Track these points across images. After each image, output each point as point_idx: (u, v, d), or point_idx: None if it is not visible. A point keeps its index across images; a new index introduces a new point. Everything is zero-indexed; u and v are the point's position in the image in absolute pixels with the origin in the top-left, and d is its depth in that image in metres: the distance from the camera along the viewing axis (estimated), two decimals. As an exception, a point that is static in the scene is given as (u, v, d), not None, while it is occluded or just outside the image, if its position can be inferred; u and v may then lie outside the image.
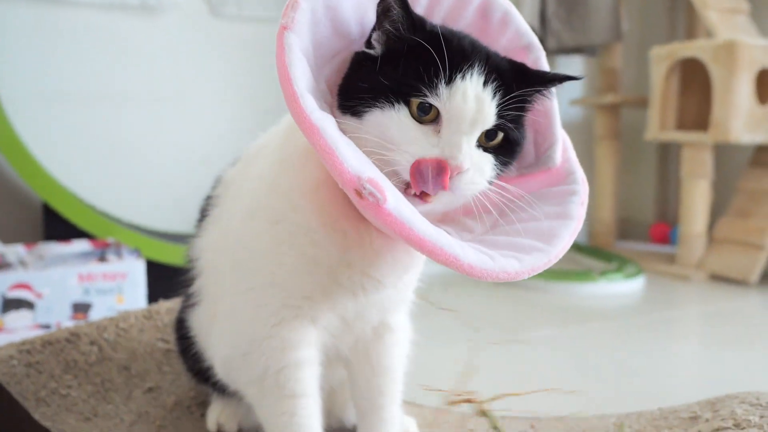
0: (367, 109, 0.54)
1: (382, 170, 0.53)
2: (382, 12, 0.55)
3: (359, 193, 0.48)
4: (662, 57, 2.47)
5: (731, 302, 2.11)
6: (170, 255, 1.87)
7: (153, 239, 1.92)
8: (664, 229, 2.96)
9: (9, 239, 2.00)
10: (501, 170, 0.60)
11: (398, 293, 0.69)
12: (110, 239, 1.82)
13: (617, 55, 2.84)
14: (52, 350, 0.88)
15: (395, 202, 0.50)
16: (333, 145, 0.49)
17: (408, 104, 0.54)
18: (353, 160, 0.49)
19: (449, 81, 0.54)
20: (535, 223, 0.62)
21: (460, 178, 0.55)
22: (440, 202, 0.57)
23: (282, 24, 0.53)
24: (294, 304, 0.63)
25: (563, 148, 0.65)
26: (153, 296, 1.67)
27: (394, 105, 0.54)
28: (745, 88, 2.23)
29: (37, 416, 0.76)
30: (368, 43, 0.57)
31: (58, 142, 2.16)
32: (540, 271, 0.58)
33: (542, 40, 2.72)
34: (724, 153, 2.66)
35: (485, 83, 0.55)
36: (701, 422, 0.69)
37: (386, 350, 0.72)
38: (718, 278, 2.34)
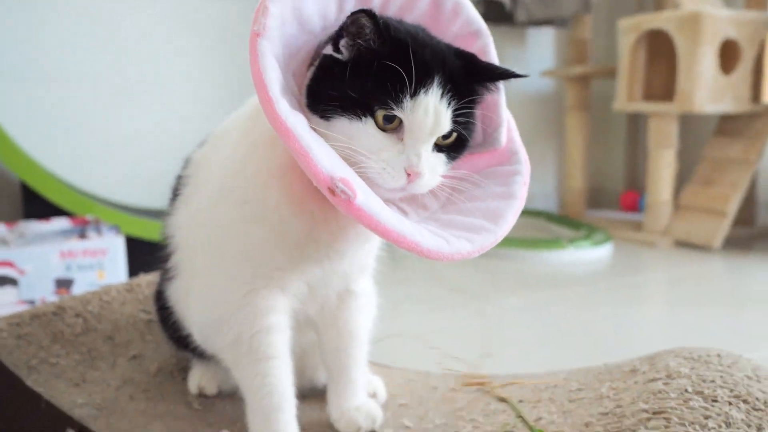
0: (336, 116, 0.59)
1: (352, 167, 0.58)
2: (354, 27, 0.59)
3: (332, 191, 0.54)
4: (629, 29, 2.52)
5: (695, 267, 2.20)
6: (147, 230, 1.92)
7: (130, 215, 1.96)
8: (634, 197, 3.05)
9: (-11, 218, 2.03)
10: (451, 162, 0.65)
11: (360, 262, 0.75)
12: (89, 216, 1.85)
13: (587, 27, 2.89)
14: (39, 323, 0.93)
15: (364, 197, 0.56)
16: (307, 148, 0.54)
17: (374, 115, 0.59)
18: (326, 160, 0.55)
19: (413, 95, 0.59)
20: (483, 202, 0.68)
21: (418, 181, 0.61)
22: None
23: (254, 31, 0.56)
24: (264, 274, 0.69)
25: (508, 129, 0.70)
26: (132, 270, 1.72)
27: (361, 118, 0.59)
28: (708, 58, 2.30)
29: (29, 383, 0.82)
30: (335, 46, 0.60)
31: (34, 122, 2.18)
32: (487, 249, 0.64)
33: (513, 13, 2.77)
34: (689, 123, 2.75)
35: (442, 95, 0.60)
36: (639, 374, 0.75)
37: (351, 315, 0.78)
38: (683, 244, 2.43)
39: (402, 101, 0.58)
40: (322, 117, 0.60)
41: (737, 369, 0.71)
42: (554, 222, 2.72)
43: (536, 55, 3.13)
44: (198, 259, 0.73)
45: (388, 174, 0.60)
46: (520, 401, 0.79)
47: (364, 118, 0.59)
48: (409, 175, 0.60)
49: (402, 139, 0.60)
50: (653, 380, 0.72)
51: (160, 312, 0.86)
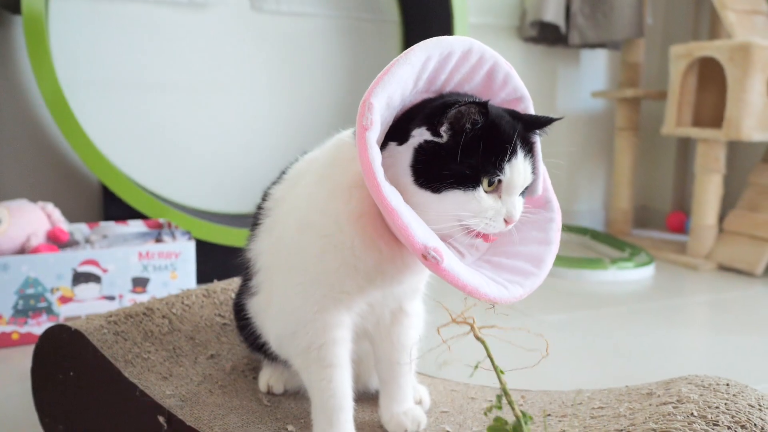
0: (449, 189, 0.72)
1: (457, 230, 0.73)
2: (462, 116, 0.71)
3: (425, 257, 0.68)
4: (681, 55, 2.58)
5: (736, 292, 2.25)
6: (215, 234, 2.08)
7: (199, 219, 2.12)
8: (681, 217, 3.09)
9: (72, 219, 2.22)
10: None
11: (413, 287, 0.89)
12: (162, 220, 2.02)
13: (639, 51, 2.95)
14: (132, 322, 1.08)
15: (449, 261, 0.69)
16: (407, 223, 0.68)
17: (481, 182, 0.72)
18: (420, 232, 0.68)
19: (509, 160, 0.73)
20: (525, 246, 0.81)
21: (511, 225, 0.76)
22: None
23: (363, 125, 0.69)
24: (334, 296, 0.81)
25: (543, 179, 0.82)
26: (199, 271, 1.88)
27: (473, 188, 0.72)
28: (757, 88, 2.34)
29: (126, 374, 0.96)
30: (434, 132, 0.72)
31: (113, 127, 2.37)
32: (532, 292, 0.77)
33: (567, 35, 2.85)
34: (737, 149, 2.78)
35: (525, 154, 0.75)
36: (654, 397, 0.85)
37: (402, 330, 0.91)
38: (725, 269, 2.47)
39: (502, 167, 0.72)
40: (433, 192, 0.72)
41: (742, 398, 0.81)
42: (599, 240, 2.78)
43: (589, 76, 3.19)
44: (278, 279, 0.86)
45: (491, 226, 0.74)
46: (549, 414, 0.90)
47: (475, 188, 0.72)
48: (507, 222, 0.74)
49: (500, 196, 0.74)
50: (665, 403, 0.81)
51: (239, 321, 1.00)
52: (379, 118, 0.70)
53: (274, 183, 0.94)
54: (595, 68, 3.21)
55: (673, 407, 0.79)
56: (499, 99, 0.80)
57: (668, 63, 2.67)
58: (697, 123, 2.65)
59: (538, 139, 0.79)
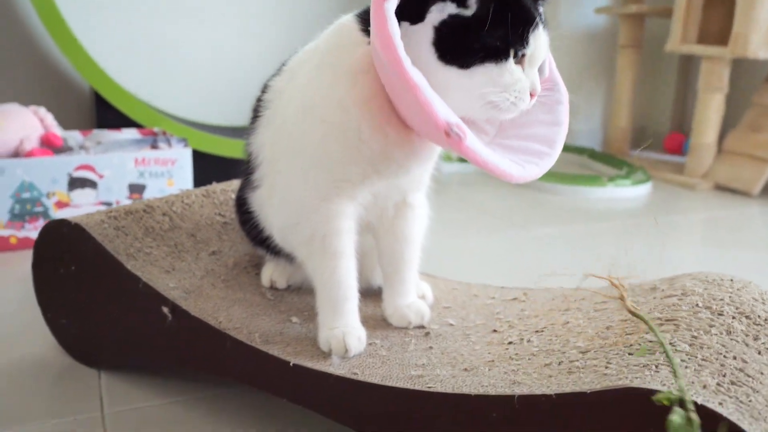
0: (480, 63, 0.69)
1: (484, 109, 0.71)
2: None
3: (447, 134, 0.65)
4: (690, -32, 2.49)
5: (732, 210, 2.26)
6: (210, 144, 2.05)
7: (193, 129, 2.09)
8: (679, 138, 3.07)
9: (65, 127, 2.18)
10: None
11: (418, 178, 0.88)
12: (156, 129, 1.99)
13: (647, -36, 2.85)
14: (133, 218, 1.06)
15: (471, 139, 0.67)
16: (430, 99, 0.65)
17: (509, 54, 0.70)
18: (443, 109, 0.66)
19: (533, 31, 0.71)
20: (535, 128, 0.79)
21: (534, 99, 0.74)
22: None
23: None
24: (338, 185, 0.80)
25: (549, 61, 0.80)
26: (195, 181, 1.86)
27: (503, 60, 0.70)
28: (766, 3, 2.28)
29: (129, 267, 0.96)
30: (461, 4, 0.69)
31: (105, 37, 2.29)
32: (546, 171, 0.76)
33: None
34: (741, 68, 2.73)
35: (544, 28, 0.73)
36: (658, 292, 0.86)
37: (406, 223, 0.90)
38: (722, 188, 2.47)
39: (528, 38, 0.70)
40: (461, 67, 0.69)
41: (746, 292, 0.81)
42: (597, 159, 2.77)
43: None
44: (281, 170, 0.84)
45: (520, 100, 0.72)
46: (551, 309, 0.90)
47: (505, 60, 0.70)
48: (531, 95, 0.73)
49: (523, 69, 0.72)
50: (669, 296, 0.82)
51: (242, 216, 0.99)
52: None
53: (273, 75, 0.91)
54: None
55: (678, 299, 0.80)
56: None
57: (676, -23, 2.59)
58: (702, 40, 2.59)
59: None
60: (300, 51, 0.89)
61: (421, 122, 0.71)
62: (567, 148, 2.90)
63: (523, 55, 0.71)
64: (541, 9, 0.74)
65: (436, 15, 0.70)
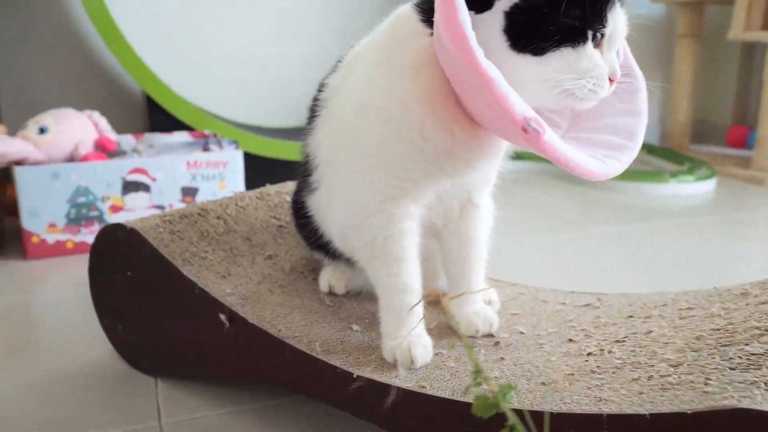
0: (555, 48, 0.64)
1: (559, 98, 0.65)
2: None
3: (525, 130, 0.60)
4: (756, -48, 2.37)
5: (803, 206, 2.14)
6: (261, 147, 2.03)
7: (244, 131, 2.08)
8: (743, 132, 2.93)
9: (118, 130, 2.20)
10: None
11: (485, 176, 0.83)
12: (207, 131, 1.98)
13: (707, -50, 2.73)
14: (188, 222, 1.04)
15: (550, 134, 0.62)
16: (506, 93, 0.60)
17: (587, 37, 0.64)
18: (519, 103, 0.60)
19: (611, 9, 0.65)
20: (611, 119, 0.73)
21: (613, 85, 0.68)
22: None
23: None
24: (400, 185, 0.75)
25: (624, 48, 0.74)
26: (247, 183, 1.84)
27: (581, 42, 0.64)
28: (842, -14, 2.15)
29: (185, 272, 0.93)
30: None
31: (156, 40, 2.30)
32: (627, 166, 0.69)
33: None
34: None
35: (621, 4, 0.67)
36: (750, 297, 0.79)
37: (472, 224, 0.85)
38: (793, 182, 2.34)
39: (606, 17, 0.64)
40: (535, 54, 0.64)
41: None
42: (656, 154, 2.66)
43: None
44: (340, 171, 0.80)
45: (599, 87, 0.66)
46: (630, 316, 0.84)
47: (584, 43, 0.64)
48: (611, 81, 0.67)
49: (602, 53, 0.66)
50: (765, 303, 0.75)
51: (299, 219, 0.95)
52: None
53: (330, 73, 0.87)
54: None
55: (775, 306, 0.73)
56: None
57: (739, -38, 2.47)
58: (767, 27, 2.46)
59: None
60: (356, 46, 0.84)
61: (494, 117, 0.65)
62: (623, 144, 2.79)
63: (602, 37, 0.65)
64: None
65: (506, 1, 0.65)
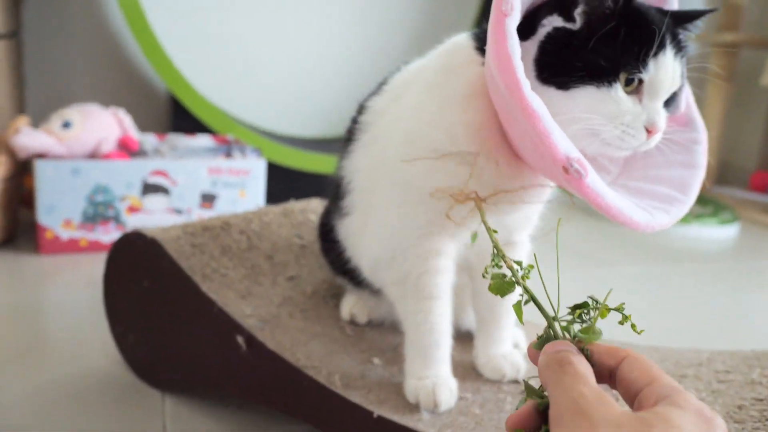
0: (580, 85, 0.61)
1: (589, 140, 0.62)
2: None
3: (566, 170, 0.57)
4: (796, -2, 2.34)
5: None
6: (285, 156, 2.01)
7: (268, 139, 2.06)
8: (766, 177, 2.89)
9: (142, 128, 2.18)
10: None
11: (527, 216, 0.79)
12: (230, 136, 1.96)
13: (745, -8, 2.70)
14: (210, 235, 1.02)
15: (593, 177, 0.59)
16: (550, 129, 0.57)
17: (618, 79, 0.61)
18: (563, 142, 0.57)
19: (655, 55, 0.61)
20: (667, 170, 0.70)
21: (655, 137, 0.64)
22: None
23: (502, 11, 0.58)
24: (440, 222, 0.72)
25: (687, 96, 0.71)
26: (268, 192, 1.82)
27: (609, 83, 0.60)
28: None
29: (204, 288, 0.90)
30: (567, 16, 0.61)
31: (186, 41, 2.29)
32: (677, 220, 0.66)
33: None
34: None
35: (675, 54, 0.62)
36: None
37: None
38: (818, 234, 2.30)
39: (646, 62, 0.60)
40: (559, 88, 0.61)
41: None
42: (678, 194, 2.62)
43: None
44: (377, 200, 0.77)
45: (629, 135, 0.62)
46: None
47: (612, 84, 0.61)
48: (648, 132, 0.62)
49: (641, 100, 0.62)
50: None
51: (325, 243, 0.92)
52: (520, 4, 0.59)
53: (371, 95, 0.84)
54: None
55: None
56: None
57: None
58: (804, 75, 2.43)
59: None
60: (403, 70, 0.82)
61: (537, 155, 0.62)
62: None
63: (641, 82, 0.62)
64: (680, 35, 0.65)
65: (545, 29, 0.62)
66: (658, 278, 1.74)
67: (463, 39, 0.73)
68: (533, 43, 0.63)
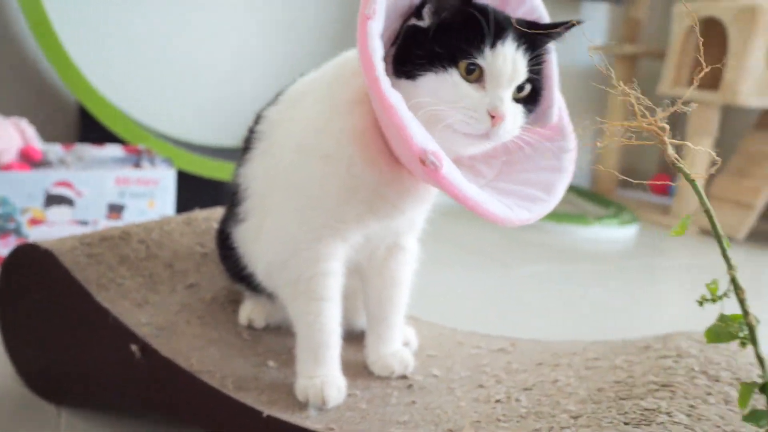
0: (422, 72, 0.66)
1: (436, 126, 0.66)
2: None
3: (423, 162, 0.61)
4: (684, 14, 2.51)
5: (716, 256, 2.24)
6: (196, 165, 2.00)
7: (179, 149, 2.04)
8: (666, 180, 3.07)
9: (47, 139, 2.13)
10: (527, 116, 0.73)
11: (413, 220, 0.84)
12: (141, 146, 1.94)
13: (642, 7, 2.87)
14: (108, 245, 1.02)
15: (448, 168, 0.63)
16: (406, 122, 0.62)
17: (458, 65, 0.66)
18: (419, 135, 0.62)
19: (492, 46, 0.67)
20: (535, 174, 0.76)
21: (501, 125, 0.68)
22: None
23: (366, 14, 0.63)
24: (331, 225, 0.76)
25: (559, 109, 0.77)
26: (178, 202, 1.81)
27: (446, 69, 0.66)
28: (759, 52, 2.29)
29: (99, 299, 0.91)
30: (417, 16, 0.68)
31: (93, 46, 2.25)
32: (541, 217, 0.72)
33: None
34: (731, 114, 2.74)
35: (517, 47, 0.68)
36: (651, 351, 0.83)
37: (397, 266, 0.86)
38: (708, 232, 2.46)
39: (483, 51, 0.66)
40: (408, 78, 0.67)
41: (741, 355, 0.78)
42: (584, 198, 2.76)
43: (589, 29, 3.09)
44: (272, 206, 0.81)
45: (473, 119, 0.67)
46: (540, 363, 0.87)
47: (449, 69, 0.66)
48: (493, 118, 0.67)
49: (484, 88, 0.67)
50: (664, 357, 0.79)
51: (223, 250, 0.94)
52: (384, 10, 0.64)
53: (268, 104, 0.87)
54: (595, 21, 3.12)
55: (673, 361, 0.77)
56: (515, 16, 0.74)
57: (670, 21, 2.61)
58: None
59: (551, 54, 0.76)
60: (298, 81, 0.85)
61: (401, 150, 0.67)
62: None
63: (482, 72, 0.67)
64: (539, 42, 0.71)
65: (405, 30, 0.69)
66: (560, 277, 1.83)
67: (353, 52, 0.77)
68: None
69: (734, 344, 0.80)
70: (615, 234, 2.33)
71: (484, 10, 0.68)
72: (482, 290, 1.67)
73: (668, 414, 0.65)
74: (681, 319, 1.64)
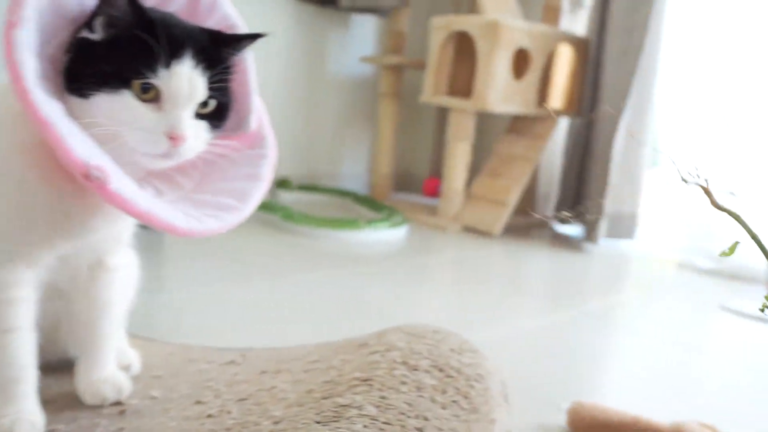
0: (93, 92, 0.63)
1: (113, 142, 0.63)
2: (107, 5, 0.63)
3: (87, 177, 0.58)
4: (440, 27, 2.70)
5: (476, 251, 2.44)
6: None
7: None
8: (436, 183, 3.28)
9: None
10: (215, 131, 0.72)
11: (114, 236, 0.79)
12: None
13: (404, 20, 3.04)
14: None
15: (118, 182, 0.60)
16: (62, 137, 0.58)
17: (130, 87, 0.64)
18: (80, 148, 0.58)
19: (167, 66, 0.65)
20: (233, 183, 0.76)
21: (183, 145, 0.67)
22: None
23: (10, 21, 0.58)
24: (8, 249, 0.70)
25: (258, 117, 0.78)
26: None
27: (118, 90, 0.63)
28: (503, 63, 2.52)
29: None
30: (89, 27, 0.64)
31: None
32: (235, 226, 0.71)
33: (337, -1, 2.85)
34: (486, 119, 3.00)
35: (196, 65, 0.67)
36: (366, 348, 0.86)
37: (104, 287, 0.81)
38: (470, 230, 2.66)
39: (157, 71, 0.64)
40: (80, 96, 0.63)
41: (445, 344, 0.84)
42: (360, 203, 2.85)
43: (359, 40, 3.23)
44: None
45: (149, 141, 0.65)
46: (263, 372, 0.87)
47: (121, 90, 0.63)
48: (172, 138, 0.65)
49: (162, 108, 0.65)
50: (375, 353, 0.82)
51: None
52: (36, 16, 0.60)
53: None
54: (364, 33, 3.25)
55: (381, 356, 0.81)
56: (207, 26, 0.74)
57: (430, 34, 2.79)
58: (453, 93, 2.80)
59: (247, 62, 0.75)
60: None
61: (67, 166, 0.63)
62: (332, 192, 2.96)
63: (158, 91, 0.65)
64: (224, 54, 0.70)
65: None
66: (330, 282, 1.87)
67: None
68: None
69: (440, 334, 0.87)
70: (386, 236, 2.44)
71: (161, 25, 0.65)
72: (248, 303, 1.65)
73: (359, 408, 0.68)
74: (437, 312, 1.76)
